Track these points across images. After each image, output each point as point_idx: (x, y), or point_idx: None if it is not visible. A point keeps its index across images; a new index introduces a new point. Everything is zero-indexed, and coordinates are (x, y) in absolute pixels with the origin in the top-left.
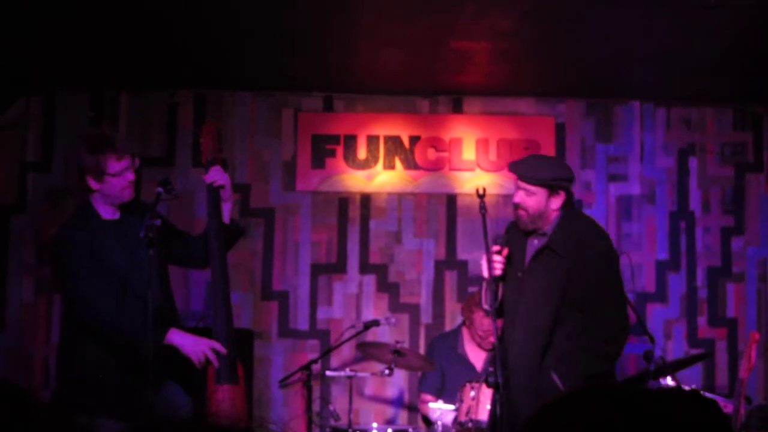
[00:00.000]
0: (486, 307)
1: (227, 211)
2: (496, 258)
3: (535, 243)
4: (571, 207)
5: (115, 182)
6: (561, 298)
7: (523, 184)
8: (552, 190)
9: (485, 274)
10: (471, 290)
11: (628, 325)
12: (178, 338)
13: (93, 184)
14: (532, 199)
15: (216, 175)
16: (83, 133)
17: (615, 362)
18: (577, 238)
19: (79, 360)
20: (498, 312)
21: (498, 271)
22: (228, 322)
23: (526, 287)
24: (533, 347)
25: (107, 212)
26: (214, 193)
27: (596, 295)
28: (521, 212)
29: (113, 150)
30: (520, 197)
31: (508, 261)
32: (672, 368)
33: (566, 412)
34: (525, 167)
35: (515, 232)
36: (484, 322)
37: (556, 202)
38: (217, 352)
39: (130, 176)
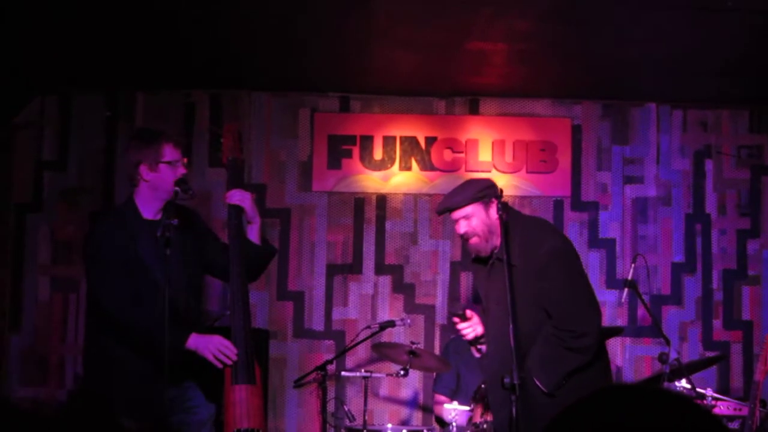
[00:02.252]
0: (477, 355)
1: (255, 232)
2: (461, 326)
3: (491, 261)
4: (509, 214)
5: (168, 172)
6: (529, 306)
7: (458, 214)
8: (483, 201)
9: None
10: None
11: (597, 313)
12: (194, 342)
13: (146, 173)
14: (474, 219)
15: (238, 196)
16: (135, 131)
17: (591, 353)
18: (525, 242)
19: (101, 359)
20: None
21: (470, 336)
22: (246, 322)
23: (491, 304)
24: (504, 359)
25: (149, 212)
26: (235, 212)
27: (555, 293)
28: (474, 240)
29: (169, 138)
30: (463, 227)
31: (478, 295)
32: (687, 370)
33: (586, 413)
34: (448, 200)
35: (476, 264)
36: None
37: (494, 211)
38: (228, 351)
39: (182, 170)
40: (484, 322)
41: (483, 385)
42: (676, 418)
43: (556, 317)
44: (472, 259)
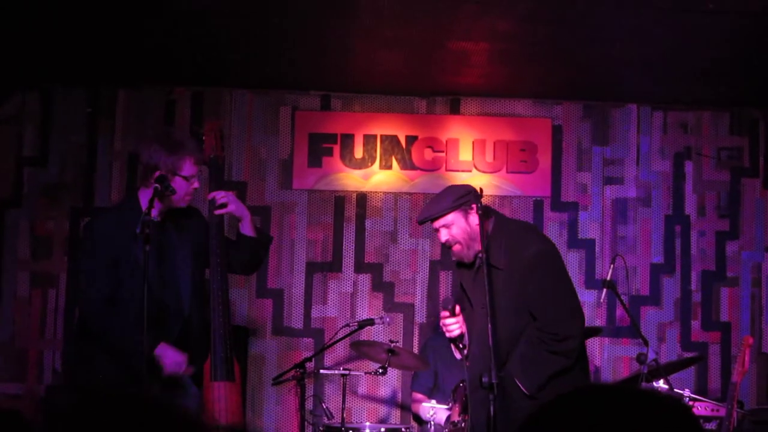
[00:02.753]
0: (459, 357)
1: (248, 225)
2: (448, 322)
3: (476, 266)
4: (492, 218)
5: (182, 185)
6: (514, 312)
7: (439, 223)
8: (462, 208)
9: (449, 336)
10: None
11: (580, 316)
12: (160, 350)
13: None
14: (455, 227)
15: (223, 199)
16: (160, 132)
17: (574, 356)
18: (510, 246)
19: (85, 350)
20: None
21: (455, 333)
22: (225, 319)
23: (477, 308)
24: (487, 362)
25: (152, 211)
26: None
27: (539, 296)
28: (457, 247)
29: (192, 154)
30: (444, 236)
31: (463, 298)
32: (665, 371)
33: (561, 412)
34: (428, 209)
35: (460, 269)
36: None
37: (474, 217)
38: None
39: (196, 185)
40: (469, 325)
41: (462, 384)
42: (652, 417)
43: (540, 320)
44: (456, 264)
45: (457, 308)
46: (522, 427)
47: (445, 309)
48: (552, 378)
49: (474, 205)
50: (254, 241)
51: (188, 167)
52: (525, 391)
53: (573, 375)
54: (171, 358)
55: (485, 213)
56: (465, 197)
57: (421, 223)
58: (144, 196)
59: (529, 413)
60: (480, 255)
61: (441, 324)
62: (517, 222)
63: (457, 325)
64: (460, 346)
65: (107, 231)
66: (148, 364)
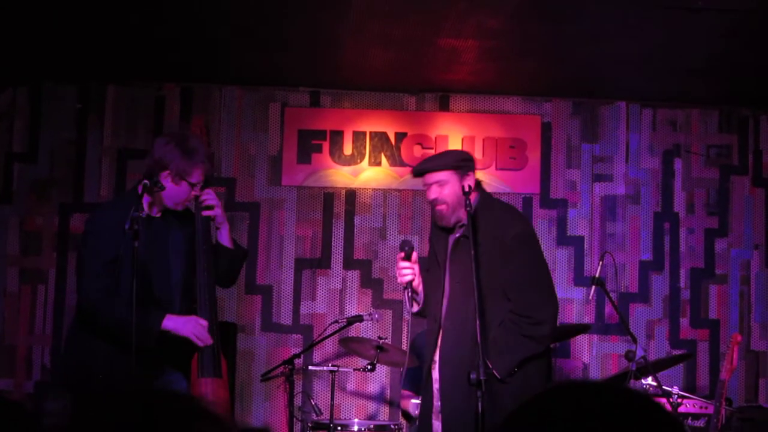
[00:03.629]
0: (406, 314)
1: (226, 236)
2: (403, 264)
3: (455, 236)
4: (483, 194)
5: (186, 190)
6: (485, 286)
7: (433, 178)
8: (461, 170)
9: (400, 281)
10: None
11: (554, 303)
12: (170, 323)
13: (167, 182)
14: (447, 187)
15: (211, 201)
16: (175, 134)
17: (546, 343)
18: (493, 223)
19: (87, 347)
20: (424, 313)
21: (408, 278)
22: (212, 315)
23: (448, 280)
24: (462, 338)
25: (148, 207)
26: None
27: (518, 278)
28: (441, 207)
29: (204, 163)
30: (434, 192)
31: (433, 260)
32: (653, 368)
33: (541, 409)
34: (428, 162)
35: (436, 231)
36: None
37: (468, 183)
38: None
39: (198, 192)
40: (428, 288)
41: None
42: (631, 416)
43: (516, 302)
44: (432, 227)
45: (414, 255)
46: (501, 426)
47: (402, 250)
48: (523, 363)
49: (471, 173)
50: (231, 252)
51: (197, 175)
52: (496, 375)
53: (541, 362)
54: (187, 326)
55: (478, 190)
56: (466, 162)
57: (416, 173)
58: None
59: (508, 413)
60: (459, 223)
61: (396, 267)
62: (501, 202)
63: (410, 271)
64: (409, 293)
65: (108, 225)
66: (146, 341)
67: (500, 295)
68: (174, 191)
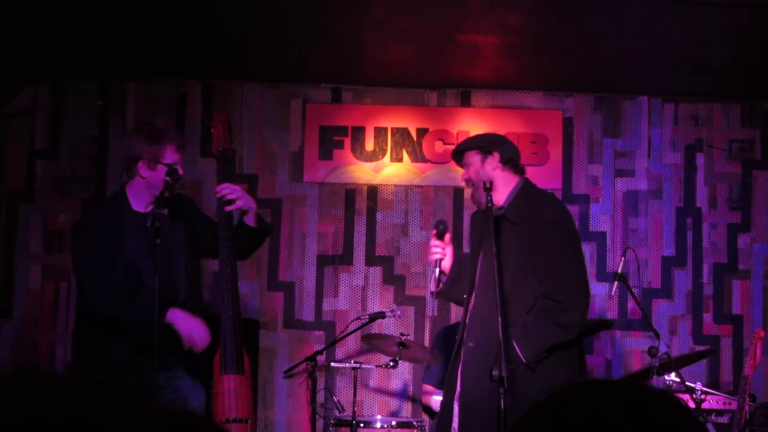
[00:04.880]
0: (431, 290)
1: (251, 217)
2: (434, 243)
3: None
4: (526, 180)
5: (165, 172)
6: (518, 267)
7: (462, 161)
8: (483, 150)
9: (429, 259)
10: None
11: (587, 295)
12: (172, 314)
13: (144, 171)
14: (471, 169)
15: (226, 191)
16: (140, 124)
17: (576, 332)
18: (532, 207)
19: (89, 345)
20: (447, 295)
21: (437, 256)
22: (235, 312)
23: (481, 261)
24: (493, 319)
25: (139, 204)
26: (219, 205)
27: (552, 263)
28: (469, 188)
29: (173, 140)
30: (464, 173)
31: (471, 242)
32: (676, 364)
33: (558, 408)
34: (457, 146)
35: (478, 216)
36: None
37: (492, 163)
38: (216, 344)
39: (180, 171)
40: (469, 273)
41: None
42: (650, 413)
43: (547, 286)
44: (481, 213)
45: (447, 235)
46: (517, 425)
47: (435, 228)
48: (551, 351)
49: (496, 153)
50: (254, 231)
51: (170, 154)
52: (522, 359)
53: (571, 352)
54: (186, 324)
55: (515, 169)
56: (492, 143)
57: (453, 156)
58: (131, 191)
59: (524, 411)
60: (499, 207)
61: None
62: (541, 189)
63: (439, 250)
64: (436, 273)
65: (97, 227)
66: (163, 339)
67: (534, 279)
68: (154, 177)
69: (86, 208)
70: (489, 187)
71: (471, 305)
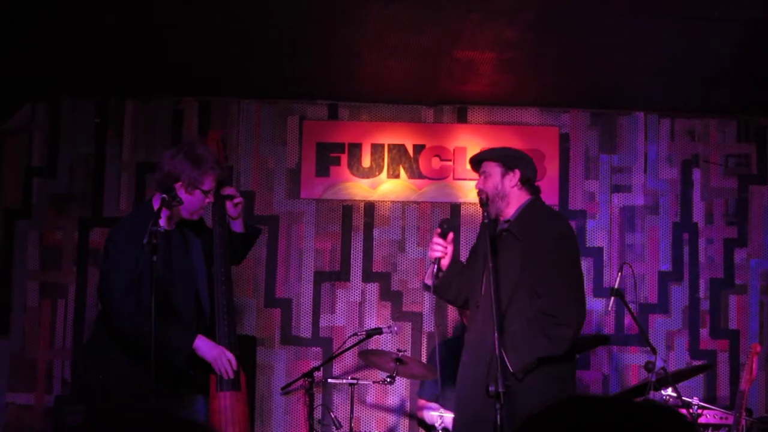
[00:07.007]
0: (427, 283)
1: (239, 224)
2: (437, 240)
3: (498, 230)
4: (536, 197)
5: (201, 200)
6: (516, 284)
7: (481, 168)
8: (506, 165)
9: (430, 255)
10: None
11: (582, 310)
12: (200, 343)
13: (180, 193)
14: (489, 180)
15: (232, 191)
16: (184, 143)
17: (564, 348)
18: (535, 221)
19: (106, 363)
20: (440, 292)
21: (437, 253)
22: (231, 328)
23: (488, 275)
24: (489, 330)
25: (167, 222)
26: (221, 203)
27: (550, 277)
28: (481, 196)
29: (214, 170)
30: (479, 183)
31: (473, 255)
32: (673, 379)
33: (549, 423)
34: (480, 153)
35: (485, 228)
36: None
37: (511, 180)
38: (227, 366)
39: (211, 199)
40: (474, 284)
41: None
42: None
43: (543, 300)
44: (482, 223)
45: (450, 235)
46: None
47: (440, 226)
48: (540, 363)
49: (518, 172)
50: (244, 237)
51: (209, 182)
52: (510, 368)
53: (559, 367)
54: (213, 351)
55: (531, 189)
56: (516, 160)
57: (471, 161)
58: (158, 202)
59: (518, 426)
60: (501, 218)
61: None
62: (548, 206)
63: (441, 248)
64: (434, 269)
65: (127, 239)
66: (177, 360)
67: (532, 294)
68: (189, 201)
69: (119, 221)
70: (486, 202)
71: (474, 319)
